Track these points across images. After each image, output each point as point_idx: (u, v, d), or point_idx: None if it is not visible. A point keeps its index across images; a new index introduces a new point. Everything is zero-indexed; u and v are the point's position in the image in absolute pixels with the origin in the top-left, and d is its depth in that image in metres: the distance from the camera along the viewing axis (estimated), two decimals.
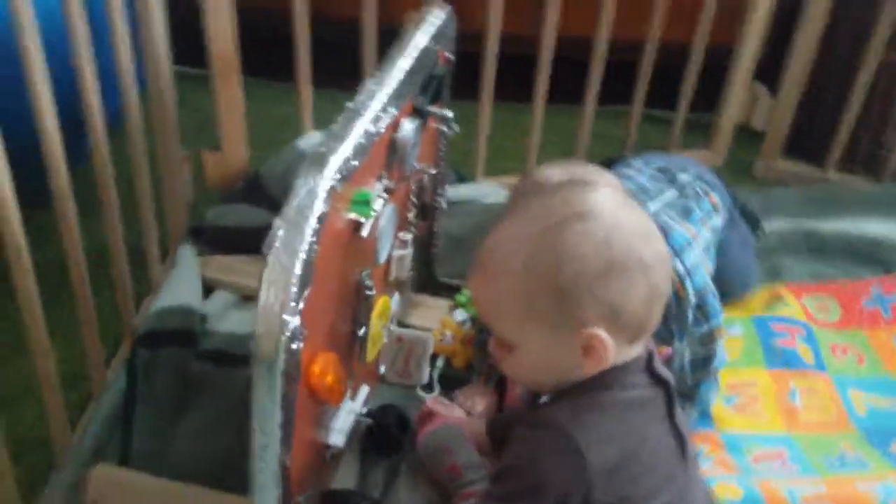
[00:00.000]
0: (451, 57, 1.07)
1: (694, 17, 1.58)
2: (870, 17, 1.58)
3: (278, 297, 0.66)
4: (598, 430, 0.74)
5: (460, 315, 1.25)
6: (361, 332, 0.92)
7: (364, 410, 1.00)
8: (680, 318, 1.04)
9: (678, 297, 1.03)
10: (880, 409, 1.21)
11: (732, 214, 1.24)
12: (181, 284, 1.23)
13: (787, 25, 1.67)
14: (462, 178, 1.58)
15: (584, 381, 0.76)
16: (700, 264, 1.08)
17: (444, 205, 1.20)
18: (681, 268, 1.03)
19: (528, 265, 0.72)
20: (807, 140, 1.76)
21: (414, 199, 1.03)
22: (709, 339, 1.08)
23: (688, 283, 1.04)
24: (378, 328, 1.01)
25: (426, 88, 0.96)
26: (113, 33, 1.06)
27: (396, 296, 1.10)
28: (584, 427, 0.73)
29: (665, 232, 1.01)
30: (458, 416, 1.03)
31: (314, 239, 0.68)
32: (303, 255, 0.67)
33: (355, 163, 0.75)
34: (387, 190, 0.87)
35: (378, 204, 0.84)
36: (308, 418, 0.83)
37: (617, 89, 1.62)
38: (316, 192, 0.68)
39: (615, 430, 0.75)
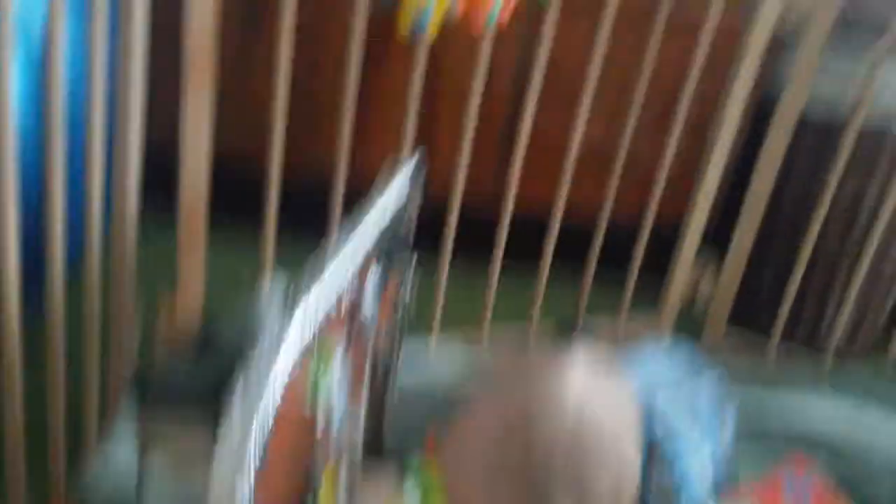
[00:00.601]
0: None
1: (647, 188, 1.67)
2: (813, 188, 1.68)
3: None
4: None
5: (411, 497, 1.19)
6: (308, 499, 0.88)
7: None
8: None
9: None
10: None
11: None
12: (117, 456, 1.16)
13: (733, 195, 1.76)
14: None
15: None
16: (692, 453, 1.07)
17: (400, 361, 1.19)
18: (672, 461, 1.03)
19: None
20: (751, 308, 1.83)
21: (369, 367, 1.02)
22: None
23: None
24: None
25: (390, 242, 0.98)
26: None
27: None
28: None
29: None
30: None
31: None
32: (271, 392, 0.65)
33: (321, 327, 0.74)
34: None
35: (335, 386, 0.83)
36: None
37: (572, 251, 1.68)
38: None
39: None
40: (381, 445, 1.26)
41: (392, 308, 1.09)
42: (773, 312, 1.72)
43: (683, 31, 1.55)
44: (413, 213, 1.07)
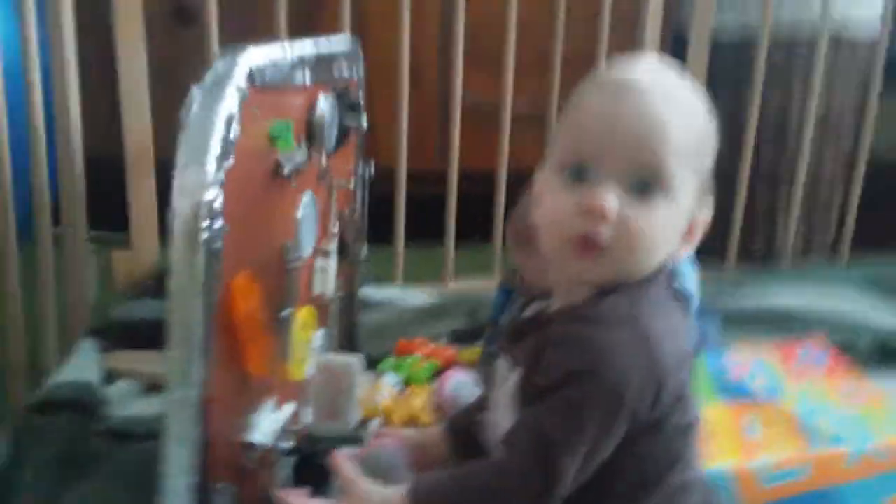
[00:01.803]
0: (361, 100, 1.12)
1: None
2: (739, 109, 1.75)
3: (196, 170, 0.63)
4: (663, 323, 0.66)
5: (391, 378, 1.17)
6: (285, 313, 0.85)
7: (292, 428, 0.90)
8: None
9: None
10: (843, 436, 1.13)
11: None
12: (79, 367, 1.12)
13: None
14: (379, 282, 1.56)
15: (630, 280, 0.67)
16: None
17: (365, 255, 1.18)
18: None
19: (707, 117, 0.68)
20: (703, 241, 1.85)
21: (335, 208, 1.01)
22: None
23: None
24: (302, 339, 0.94)
25: (342, 97, 1.00)
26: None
27: (322, 331, 1.03)
28: (651, 318, 0.65)
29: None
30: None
31: (234, 112, 0.66)
32: (222, 122, 0.64)
33: (272, 76, 0.75)
34: (305, 164, 0.87)
35: (299, 158, 0.83)
36: (229, 373, 0.73)
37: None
38: (235, 66, 0.67)
39: (674, 325, 0.68)
40: (358, 352, 1.22)
41: (351, 176, 1.10)
42: (725, 240, 1.75)
43: None
44: (356, 91, 1.10)
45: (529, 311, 0.76)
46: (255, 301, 0.73)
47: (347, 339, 1.21)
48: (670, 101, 0.65)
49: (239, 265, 0.71)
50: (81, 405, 1.04)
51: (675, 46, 1.80)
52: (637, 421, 0.64)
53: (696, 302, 1.18)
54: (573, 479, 0.64)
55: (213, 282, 0.65)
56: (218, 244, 0.64)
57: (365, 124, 1.03)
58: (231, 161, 0.65)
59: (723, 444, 1.11)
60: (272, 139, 0.77)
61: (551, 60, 1.61)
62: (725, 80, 1.80)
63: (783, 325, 1.48)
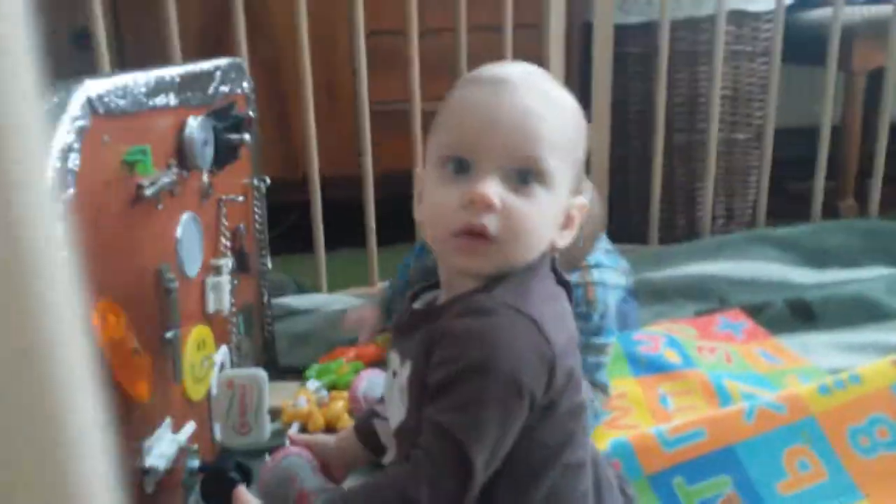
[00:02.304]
0: (252, 114, 1.13)
1: None
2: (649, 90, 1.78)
3: None
4: (549, 308, 0.68)
5: (312, 384, 1.19)
6: (169, 334, 0.85)
7: (194, 447, 0.91)
8: (585, 319, 1.08)
9: (587, 299, 1.10)
10: (757, 396, 1.16)
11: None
12: None
13: None
14: (303, 290, 1.57)
15: (516, 269, 0.69)
16: (611, 287, 1.14)
17: (269, 265, 1.19)
18: (596, 276, 1.10)
19: (578, 113, 0.71)
20: (625, 221, 1.89)
21: (225, 223, 1.02)
22: (601, 351, 1.12)
23: (599, 291, 1.10)
24: (197, 359, 0.94)
25: (223, 117, 1.00)
26: None
27: (224, 347, 1.04)
28: (538, 304, 0.66)
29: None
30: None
31: (72, 143, 0.67)
32: (57, 154, 0.65)
33: (122, 104, 0.76)
34: (179, 183, 0.87)
35: (165, 180, 0.83)
36: (105, 402, 0.74)
37: None
38: (70, 98, 0.68)
39: (559, 310, 0.70)
40: (273, 368, 1.23)
41: (243, 193, 1.10)
42: (647, 219, 1.78)
43: None
44: (243, 107, 1.10)
45: (419, 304, 0.77)
46: (121, 328, 0.73)
47: (265, 351, 1.22)
48: (544, 97, 0.68)
49: (96, 294, 0.71)
50: None
51: (586, 32, 1.82)
52: (533, 405, 0.65)
53: (620, 293, 1.21)
54: (485, 472, 0.65)
55: None
56: None
57: (249, 138, 1.04)
58: (71, 192, 0.66)
59: (637, 417, 1.14)
60: (130, 165, 0.78)
61: (457, 60, 1.62)
62: (634, 61, 1.84)
63: (702, 294, 1.52)
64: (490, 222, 0.65)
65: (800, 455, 0.93)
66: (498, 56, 1.64)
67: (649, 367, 1.22)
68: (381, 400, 0.86)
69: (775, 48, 1.73)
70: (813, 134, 1.79)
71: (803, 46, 1.85)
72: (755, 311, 1.41)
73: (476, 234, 0.66)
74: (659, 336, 1.28)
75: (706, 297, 1.50)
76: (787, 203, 2.03)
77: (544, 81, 0.70)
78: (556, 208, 0.69)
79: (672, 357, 1.23)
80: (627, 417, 1.14)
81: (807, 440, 0.93)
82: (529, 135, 0.66)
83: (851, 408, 0.95)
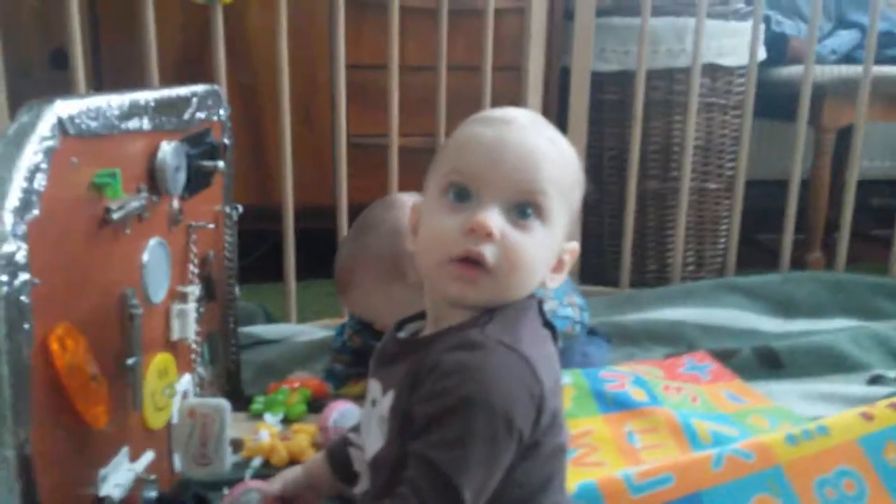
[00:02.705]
0: (227, 142, 1.12)
1: None
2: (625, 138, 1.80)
3: None
4: (539, 348, 0.68)
5: (270, 418, 1.16)
6: (130, 361, 0.83)
7: (152, 477, 0.88)
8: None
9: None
10: (723, 434, 1.14)
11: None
12: None
13: None
14: (272, 320, 1.55)
15: (503, 306, 0.68)
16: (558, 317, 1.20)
17: (237, 293, 1.17)
18: (580, 301, 1.18)
19: (577, 162, 0.73)
20: (598, 264, 1.90)
21: (194, 250, 1.01)
22: None
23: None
24: (159, 387, 0.92)
25: (197, 143, 1.00)
26: None
27: (188, 376, 1.02)
28: (529, 344, 0.66)
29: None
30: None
31: (39, 163, 0.65)
32: (23, 174, 0.64)
33: (94, 125, 0.74)
34: (149, 208, 0.86)
35: (134, 204, 0.82)
36: (61, 429, 0.72)
37: None
38: (40, 118, 0.67)
39: (548, 351, 0.70)
40: (241, 393, 1.21)
41: (214, 220, 1.09)
42: (619, 262, 1.79)
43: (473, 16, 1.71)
44: (218, 134, 1.10)
45: (404, 333, 0.76)
46: (79, 353, 0.71)
47: (229, 381, 1.20)
48: (548, 140, 0.70)
49: (56, 317, 0.69)
50: None
51: (564, 77, 1.85)
52: (521, 443, 0.64)
53: (582, 330, 1.23)
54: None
55: (21, 338, 0.63)
56: (24, 298, 0.63)
57: (222, 166, 1.03)
58: (36, 213, 0.65)
59: (604, 455, 1.13)
60: (98, 187, 0.76)
61: (437, 98, 1.63)
62: (610, 108, 1.86)
63: (671, 339, 1.53)
64: (488, 252, 0.66)
65: None
66: (477, 96, 1.65)
67: (616, 404, 1.21)
68: (355, 429, 0.85)
69: (748, 102, 1.76)
70: (783, 186, 1.82)
71: (775, 101, 1.89)
72: (723, 357, 1.42)
73: (472, 263, 0.66)
74: (626, 375, 1.28)
75: (675, 342, 1.51)
76: (757, 253, 2.06)
77: (548, 127, 0.72)
78: (551, 246, 0.70)
79: (639, 395, 1.23)
80: (595, 455, 1.13)
81: (774, 490, 0.92)
82: (533, 170, 0.67)
83: (818, 459, 0.95)
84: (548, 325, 0.73)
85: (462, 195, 0.67)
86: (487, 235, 0.65)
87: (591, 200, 1.83)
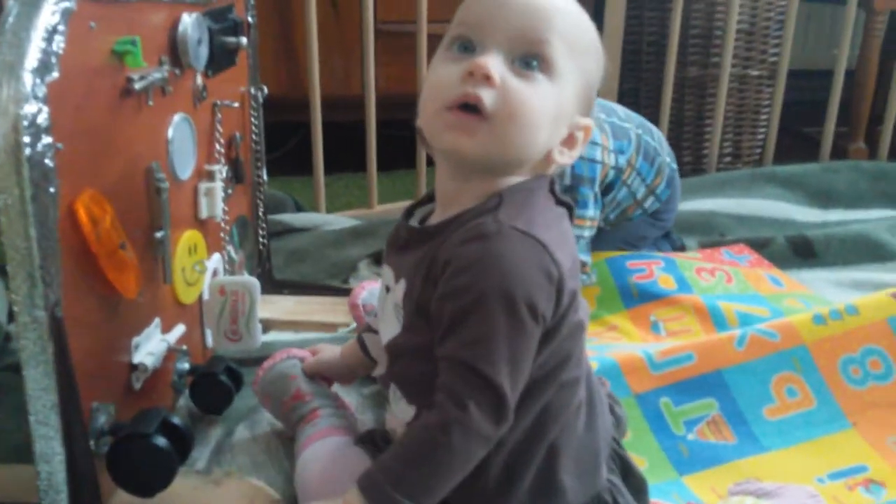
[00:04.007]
0: (251, 20, 1.10)
1: None
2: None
3: (10, 85, 0.61)
4: (555, 230, 0.66)
5: None
6: (159, 234, 0.85)
7: (184, 349, 0.91)
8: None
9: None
10: (754, 315, 1.13)
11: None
12: None
13: None
14: (301, 209, 1.56)
15: (512, 187, 0.67)
16: (590, 161, 1.18)
17: (265, 177, 1.17)
18: (615, 144, 1.19)
19: (594, 31, 0.69)
20: None
21: (220, 129, 1.00)
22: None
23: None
24: (188, 263, 0.94)
25: (219, 18, 0.98)
26: None
27: (217, 255, 1.03)
28: (544, 227, 0.64)
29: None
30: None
31: (57, 24, 0.65)
32: (41, 34, 0.63)
33: None
34: (171, 81, 0.86)
35: (156, 75, 0.81)
36: (93, 295, 0.74)
37: None
38: None
39: (563, 231, 0.68)
40: (269, 281, 1.23)
41: (241, 98, 1.08)
42: None
43: None
44: (240, 11, 1.07)
45: (414, 220, 0.75)
46: (106, 220, 0.72)
47: (259, 264, 1.21)
48: None
49: (81, 183, 0.70)
50: None
51: None
52: (545, 325, 0.64)
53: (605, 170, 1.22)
54: (514, 397, 0.63)
55: (47, 200, 0.64)
56: (48, 161, 0.64)
57: (245, 43, 1.01)
58: (55, 75, 0.64)
59: (627, 341, 1.13)
60: (119, 55, 0.75)
61: None
62: None
63: (703, 228, 1.51)
64: (486, 96, 0.63)
65: (789, 382, 0.92)
66: None
67: (642, 297, 1.21)
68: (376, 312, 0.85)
69: None
70: (827, 78, 1.75)
71: None
72: (757, 246, 1.40)
73: (470, 110, 0.63)
74: (656, 260, 1.27)
75: (707, 231, 1.49)
76: (797, 145, 2.00)
77: None
78: (558, 103, 0.65)
79: (667, 283, 1.22)
80: (617, 343, 1.14)
81: (797, 368, 0.93)
82: (538, 18, 0.64)
83: (846, 338, 0.95)
84: (562, 202, 0.71)
85: (466, 47, 0.65)
86: (486, 78, 0.62)
87: (627, 88, 1.80)
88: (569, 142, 0.69)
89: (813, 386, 0.92)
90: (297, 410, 0.87)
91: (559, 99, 0.66)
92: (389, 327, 0.71)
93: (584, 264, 1.15)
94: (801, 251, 1.40)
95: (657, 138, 1.30)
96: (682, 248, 1.40)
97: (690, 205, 1.56)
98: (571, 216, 0.72)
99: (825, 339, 0.95)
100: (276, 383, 0.89)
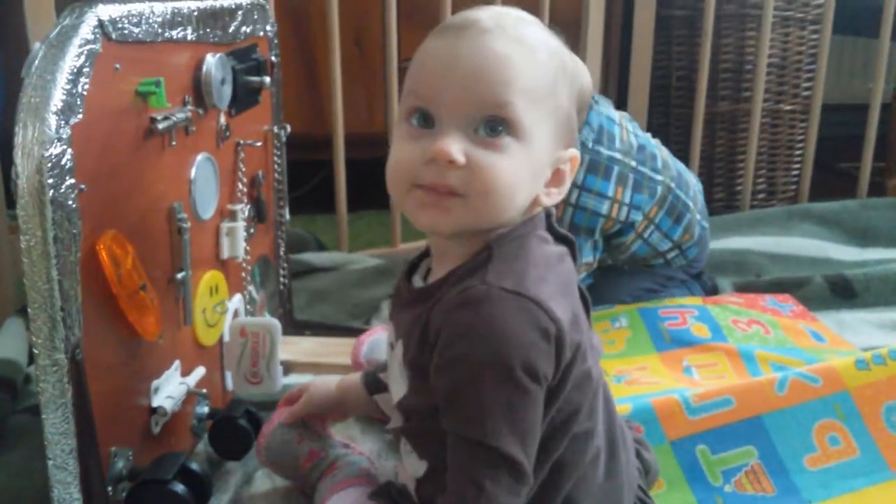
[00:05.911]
0: (274, 59, 1.10)
1: None
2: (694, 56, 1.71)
3: (35, 127, 0.61)
4: (551, 281, 0.62)
5: None
6: (180, 275, 0.83)
7: (203, 392, 0.90)
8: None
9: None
10: (789, 368, 1.08)
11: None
12: (6, 345, 1.12)
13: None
14: (323, 248, 1.55)
15: (502, 237, 0.64)
16: (590, 212, 1.17)
17: (287, 217, 1.16)
18: (574, 197, 1.14)
19: (560, 56, 0.64)
20: None
21: (243, 169, 1.00)
22: None
23: (569, 212, 1.16)
24: (209, 304, 0.93)
25: (243, 58, 0.98)
26: None
27: (239, 296, 1.02)
28: (538, 281, 0.61)
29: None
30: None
31: (82, 66, 0.64)
32: (66, 77, 0.63)
33: (136, 32, 0.73)
34: (195, 121, 0.85)
35: (180, 115, 0.81)
36: (113, 337, 0.72)
37: None
38: (82, 20, 0.65)
39: (561, 281, 0.64)
40: (290, 322, 1.22)
41: (263, 140, 1.08)
42: None
43: None
44: (264, 50, 1.07)
45: (416, 278, 0.72)
46: (128, 261, 0.71)
47: (280, 304, 1.20)
48: (514, 40, 0.61)
49: (104, 224, 0.69)
50: (7, 383, 1.04)
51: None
52: (548, 384, 0.62)
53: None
54: (530, 462, 0.61)
55: (69, 241, 0.63)
56: (71, 202, 0.63)
57: (269, 82, 1.01)
58: (80, 117, 0.64)
59: (660, 379, 1.09)
60: (143, 96, 0.75)
61: None
62: (678, 24, 1.77)
63: (737, 268, 1.47)
64: (454, 178, 0.60)
65: (831, 430, 0.88)
66: (534, 13, 1.58)
67: (674, 342, 1.17)
68: (384, 368, 0.80)
69: (827, 15, 1.65)
70: (862, 112, 1.71)
71: (857, 15, 1.76)
72: (793, 287, 1.35)
73: (438, 193, 0.61)
74: (689, 309, 1.23)
75: (742, 271, 1.45)
76: (833, 181, 1.96)
77: (518, 24, 0.63)
78: (533, 161, 0.63)
79: (700, 332, 1.18)
80: (649, 379, 1.10)
81: (839, 415, 0.89)
82: (494, 81, 0.60)
83: (889, 384, 0.90)
84: (561, 238, 0.68)
85: (424, 120, 0.62)
86: (450, 163, 0.59)
87: (656, 124, 1.78)
88: (555, 180, 0.66)
89: (856, 434, 0.88)
90: (316, 469, 0.84)
91: (532, 157, 0.62)
92: (398, 386, 0.69)
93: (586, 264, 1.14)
94: (840, 291, 1.35)
95: (692, 194, 1.25)
96: (714, 289, 1.36)
97: (724, 243, 1.53)
98: (573, 252, 0.69)
99: (868, 384, 0.90)
100: (286, 452, 0.85)
